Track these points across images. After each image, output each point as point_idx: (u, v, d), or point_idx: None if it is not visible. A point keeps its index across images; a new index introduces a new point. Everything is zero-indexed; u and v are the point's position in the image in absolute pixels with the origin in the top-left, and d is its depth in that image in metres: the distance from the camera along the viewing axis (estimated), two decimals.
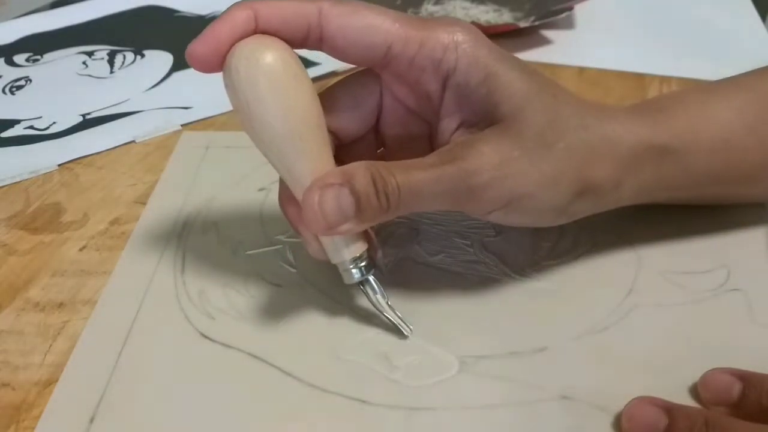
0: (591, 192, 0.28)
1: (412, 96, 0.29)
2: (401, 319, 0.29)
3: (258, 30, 0.26)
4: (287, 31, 0.26)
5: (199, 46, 0.25)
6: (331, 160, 0.27)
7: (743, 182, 0.32)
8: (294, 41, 0.26)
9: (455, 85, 0.27)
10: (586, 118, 0.28)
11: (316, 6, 0.26)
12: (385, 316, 0.29)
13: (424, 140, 0.30)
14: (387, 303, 0.29)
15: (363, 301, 0.30)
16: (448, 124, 0.29)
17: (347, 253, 0.28)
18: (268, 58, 0.25)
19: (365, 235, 0.28)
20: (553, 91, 0.28)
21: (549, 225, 0.30)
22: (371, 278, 0.28)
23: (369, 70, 0.29)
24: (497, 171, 0.26)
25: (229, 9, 0.26)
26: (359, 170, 0.25)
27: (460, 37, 0.27)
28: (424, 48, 0.27)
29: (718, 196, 0.34)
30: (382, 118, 0.30)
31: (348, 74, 0.29)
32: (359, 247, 0.28)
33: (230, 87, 0.26)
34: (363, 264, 0.28)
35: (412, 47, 0.26)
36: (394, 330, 0.29)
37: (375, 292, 0.29)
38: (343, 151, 0.29)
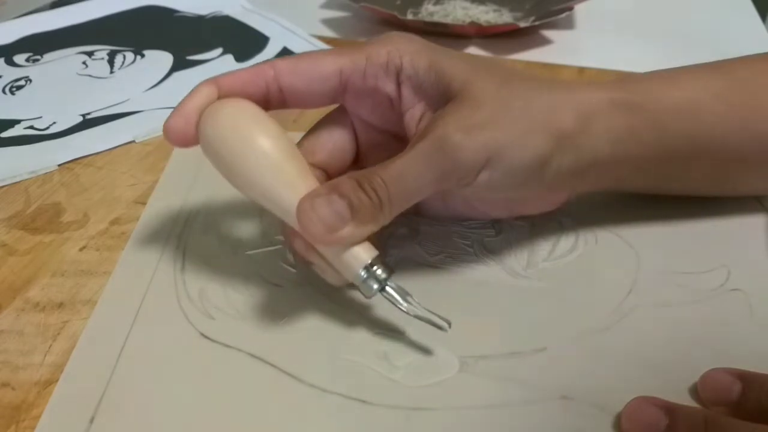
0: (565, 140, 0.29)
1: (377, 109, 0.31)
2: (436, 315, 0.27)
3: (220, 97, 0.29)
4: (248, 93, 0.29)
5: (172, 121, 0.28)
6: (316, 185, 0.27)
7: (723, 153, 0.32)
8: (257, 101, 0.29)
9: (407, 78, 0.30)
10: (539, 83, 0.30)
11: (269, 65, 0.29)
12: (417, 317, 0.27)
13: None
14: (416, 303, 0.27)
15: (363, 301, 0.30)
16: (412, 115, 0.30)
17: (357, 264, 0.27)
18: (225, 110, 0.28)
19: (374, 243, 0.28)
20: (500, 66, 0.30)
21: (542, 187, 0.30)
22: (391, 284, 0.27)
23: (338, 108, 0.32)
24: (466, 130, 0.27)
25: (194, 87, 0.29)
26: (343, 179, 0.27)
27: (396, 40, 0.30)
28: (371, 59, 0.30)
29: (707, 177, 0.33)
30: (360, 146, 0.32)
31: (321, 117, 0.32)
32: (369, 254, 0.27)
33: (204, 148, 0.28)
34: (378, 271, 0.27)
35: (359, 63, 0.30)
36: (432, 327, 0.27)
37: (400, 296, 0.27)
38: None
